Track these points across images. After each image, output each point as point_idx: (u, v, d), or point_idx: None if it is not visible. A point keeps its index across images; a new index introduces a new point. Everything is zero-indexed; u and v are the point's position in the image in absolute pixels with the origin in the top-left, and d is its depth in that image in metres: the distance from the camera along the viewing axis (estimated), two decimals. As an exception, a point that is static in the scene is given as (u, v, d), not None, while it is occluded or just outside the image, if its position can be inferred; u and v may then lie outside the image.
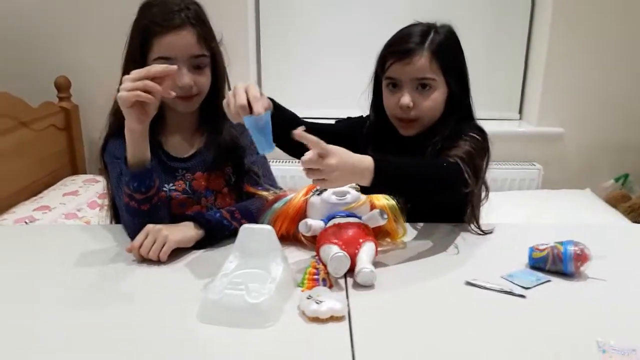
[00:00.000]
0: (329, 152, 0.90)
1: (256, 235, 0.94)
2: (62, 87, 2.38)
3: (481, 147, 1.17)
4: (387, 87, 1.23)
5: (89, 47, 2.42)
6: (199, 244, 1.10)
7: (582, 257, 0.98)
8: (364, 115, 1.37)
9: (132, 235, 1.10)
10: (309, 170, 0.90)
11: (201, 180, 1.27)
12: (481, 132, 1.21)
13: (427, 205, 1.16)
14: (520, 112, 2.70)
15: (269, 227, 0.95)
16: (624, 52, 2.46)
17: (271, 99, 1.12)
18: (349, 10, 2.54)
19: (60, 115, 2.37)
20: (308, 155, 0.89)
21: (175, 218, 1.15)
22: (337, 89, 2.61)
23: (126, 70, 1.18)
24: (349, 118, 1.41)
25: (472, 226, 1.20)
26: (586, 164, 2.61)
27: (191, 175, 1.27)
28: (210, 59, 1.21)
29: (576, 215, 2.18)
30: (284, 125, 0.99)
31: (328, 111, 2.60)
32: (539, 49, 2.52)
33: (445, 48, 1.18)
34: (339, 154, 0.91)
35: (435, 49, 1.17)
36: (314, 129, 1.22)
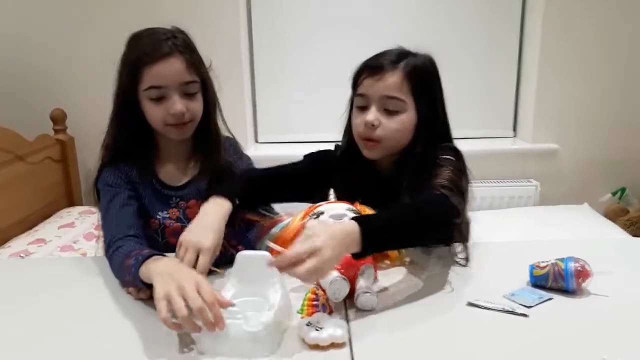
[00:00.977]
0: (313, 235, 0.86)
1: (253, 262, 0.93)
2: (58, 119, 2.39)
3: (458, 167, 1.13)
4: (356, 107, 1.20)
5: (84, 80, 2.43)
6: None
7: (583, 274, 0.97)
8: (331, 148, 1.36)
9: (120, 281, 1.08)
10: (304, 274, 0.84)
11: (195, 208, 1.26)
12: (455, 151, 1.17)
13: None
14: (515, 129, 2.72)
15: (266, 253, 0.94)
16: (616, 66, 2.49)
17: (230, 197, 1.12)
18: (342, 31, 2.57)
19: (55, 148, 2.37)
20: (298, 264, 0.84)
21: (169, 247, 1.14)
22: (331, 113, 2.62)
23: (117, 103, 1.20)
24: (316, 153, 1.37)
25: (458, 256, 1.14)
26: (582, 179, 2.61)
27: (185, 203, 1.26)
28: (201, 84, 1.21)
29: (575, 230, 2.18)
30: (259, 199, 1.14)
31: (322, 135, 2.63)
32: (531, 66, 2.54)
33: (420, 72, 1.16)
34: (319, 232, 0.87)
35: (410, 71, 1.14)
36: (279, 175, 1.25)
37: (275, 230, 1.11)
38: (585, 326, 0.88)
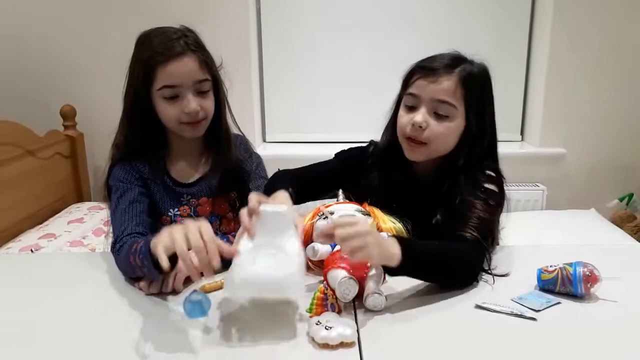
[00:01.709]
0: (357, 221, 0.92)
1: (272, 217, 0.94)
2: (68, 115, 2.41)
3: (497, 203, 1.13)
4: (404, 105, 1.18)
5: (94, 76, 2.45)
6: None
7: (591, 279, 0.97)
8: (364, 146, 1.34)
9: (126, 275, 1.09)
10: (344, 241, 0.89)
11: (206, 205, 1.27)
12: (499, 184, 1.16)
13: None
14: (522, 133, 2.72)
15: (283, 207, 0.96)
16: (624, 71, 2.48)
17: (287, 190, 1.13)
18: (350, 31, 2.57)
19: (65, 144, 2.39)
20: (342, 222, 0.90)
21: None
22: (340, 113, 2.63)
23: (128, 103, 1.21)
24: (348, 151, 1.36)
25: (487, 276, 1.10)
26: (590, 183, 2.61)
27: (196, 200, 1.27)
28: (212, 83, 1.22)
29: (582, 235, 2.17)
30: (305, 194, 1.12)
31: (330, 135, 2.64)
32: (539, 70, 2.54)
33: (475, 80, 1.14)
34: (367, 226, 0.93)
35: (465, 77, 1.12)
36: (313, 173, 1.25)
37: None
38: (593, 331, 0.88)
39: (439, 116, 1.13)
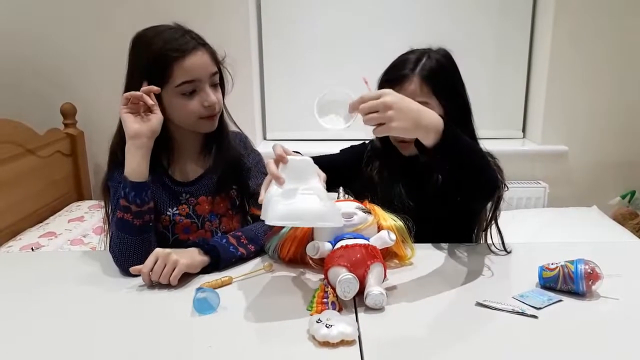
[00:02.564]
0: (383, 93, 0.95)
1: (297, 165, 0.98)
2: (68, 113, 2.41)
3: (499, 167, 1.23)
4: None
5: (95, 74, 2.45)
6: (205, 269, 1.10)
7: (593, 276, 0.97)
8: (366, 141, 1.42)
9: (119, 256, 1.11)
10: (367, 116, 0.95)
11: (205, 204, 1.27)
12: (492, 157, 1.23)
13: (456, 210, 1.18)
14: (524, 130, 2.71)
15: (307, 158, 1.00)
16: (625, 68, 2.47)
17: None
18: (351, 30, 2.57)
19: (65, 142, 2.39)
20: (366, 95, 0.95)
21: (180, 243, 1.15)
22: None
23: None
24: (351, 147, 1.45)
25: (493, 246, 1.19)
26: (591, 181, 2.60)
27: (195, 199, 1.27)
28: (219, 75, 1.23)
29: (584, 233, 2.17)
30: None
31: (330, 133, 2.63)
32: (541, 67, 2.53)
33: (437, 72, 1.22)
34: (395, 94, 0.95)
35: (426, 74, 1.20)
36: (323, 164, 1.24)
37: (285, 230, 1.12)
38: (594, 329, 0.88)
39: None
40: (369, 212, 1.09)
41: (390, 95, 0.94)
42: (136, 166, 1.12)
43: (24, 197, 2.08)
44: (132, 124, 1.13)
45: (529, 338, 0.85)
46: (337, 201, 1.14)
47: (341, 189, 1.26)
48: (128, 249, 1.11)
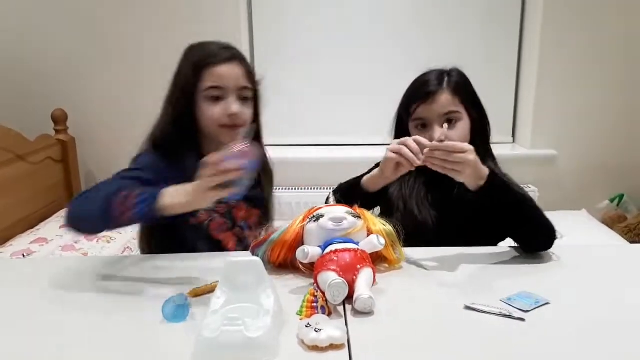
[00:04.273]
0: (469, 150, 1.08)
1: (243, 268, 0.92)
2: (59, 119, 2.40)
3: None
4: (416, 128, 1.33)
5: (86, 80, 2.44)
6: None
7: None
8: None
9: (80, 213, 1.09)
10: (444, 161, 1.08)
11: (241, 210, 1.31)
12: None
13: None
14: (513, 135, 2.73)
15: (255, 258, 0.94)
16: (613, 73, 2.50)
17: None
18: (345, 34, 2.58)
19: (56, 148, 2.38)
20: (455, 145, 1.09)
21: (211, 241, 1.23)
22: (336, 115, 2.63)
23: (173, 101, 1.26)
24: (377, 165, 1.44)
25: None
26: (581, 185, 2.63)
27: (234, 201, 1.28)
28: (253, 95, 1.29)
29: (573, 236, 2.18)
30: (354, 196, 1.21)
31: (327, 138, 2.64)
32: (530, 73, 2.56)
33: (462, 85, 1.34)
34: (472, 149, 1.09)
35: (454, 87, 1.31)
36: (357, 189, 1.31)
37: (275, 236, 1.11)
38: (581, 331, 0.89)
39: (449, 125, 1.28)
40: (359, 217, 1.10)
41: (473, 154, 1.09)
42: (176, 204, 1.01)
43: (15, 203, 2.08)
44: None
45: (516, 341, 0.86)
46: (327, 205, 1.15)
47: (331, 194, 1.27)
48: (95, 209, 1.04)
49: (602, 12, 2.43)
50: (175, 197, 1.01)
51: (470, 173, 1.10)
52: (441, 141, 1.15)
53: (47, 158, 2.30)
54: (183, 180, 1.05)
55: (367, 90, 2.56)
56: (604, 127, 2.56)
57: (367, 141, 2.49)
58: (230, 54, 1.25)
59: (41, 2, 2.40)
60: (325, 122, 2.65)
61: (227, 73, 1.23)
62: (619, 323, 0.91)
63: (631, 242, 2.23)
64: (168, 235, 1.24)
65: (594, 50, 2.47)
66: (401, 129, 1.38)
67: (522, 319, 0.91)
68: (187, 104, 1.24)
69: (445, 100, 1.30)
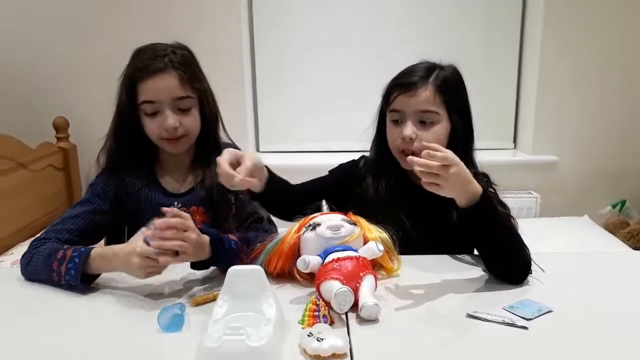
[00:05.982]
0: (453, 162, 0.97)
1: (245, 277, 0.92)
2: (60, 127, 2.40)
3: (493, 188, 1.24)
4: (390, 121, 1.24)
5: (87, 88, 2.45)
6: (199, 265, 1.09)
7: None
8: (356, 159, 1.39)
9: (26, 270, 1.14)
10: (425, 174, 0.96)
11: (196, 215, 1.28)
12: (486, 177, 1.26)
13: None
14: (515, 141, 2.73)
15: (257, 267, 0.94)
16: (614, 79, 2.50)
17: (267, 167, 1.18)
18: (344, 41, 2.58)
19: (58, 156, 2.38)
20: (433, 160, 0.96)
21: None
22: (333, 122, 2.64)
23: (117, 116, 1.25)
24: (339, 167, 1.39)
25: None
26: (582, 191, 2.62)
27: (186, 209, 1.27)
28: (198, 100, 1.24)
29: (575, 242, 2.18)
30: (277, 195, 1.15)
31: (324, 144, 2.64)
32: (531, 79, 2.56)
33: (450, 84, 1.21)
34: (460, 165, 0.98)
35: (440, 84, 1.19)
36: (311, 189, 1.26)
37: (271, 245, 1.11)
38: (584, 340, 0.88)
39: (425, 124, 1.19)
40: (355, 224, 1.10)
41: (456, 167, 0.97)
42: (105, 270, 1.09)
43: (16, 212, 2.07)
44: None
45: (519, 349, 0.86)
46: (321, 214, 1.14)
47: (324, 202, 1.26)
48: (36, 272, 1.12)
49: (603, 19, 2.43)
50: (104, 265, 1.07)
51: (453, 187, 0.99)
52: (410, 139, 1.16)
53: (49, 166, 2.30)
54: (149, 185, 1.23)
55: (364, 97, 2.55)
56: (605, 132, 2.56)
57: (364, 147, 2.47)
58: (162, 64, 1.18)
59: (42, 11, 2.41)
60: (321, 129, 2.64)
61: (158, 86, 1.18)
62: (622, 331, 0.91)
63: (634, 249, 2.22)
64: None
65: (595, 56, 2.47)
66: (381, 120, 1.29)
67: (524, 327, 0.91)
68: (130, 118, 1.22)
69: (426, 95, 1.18)
